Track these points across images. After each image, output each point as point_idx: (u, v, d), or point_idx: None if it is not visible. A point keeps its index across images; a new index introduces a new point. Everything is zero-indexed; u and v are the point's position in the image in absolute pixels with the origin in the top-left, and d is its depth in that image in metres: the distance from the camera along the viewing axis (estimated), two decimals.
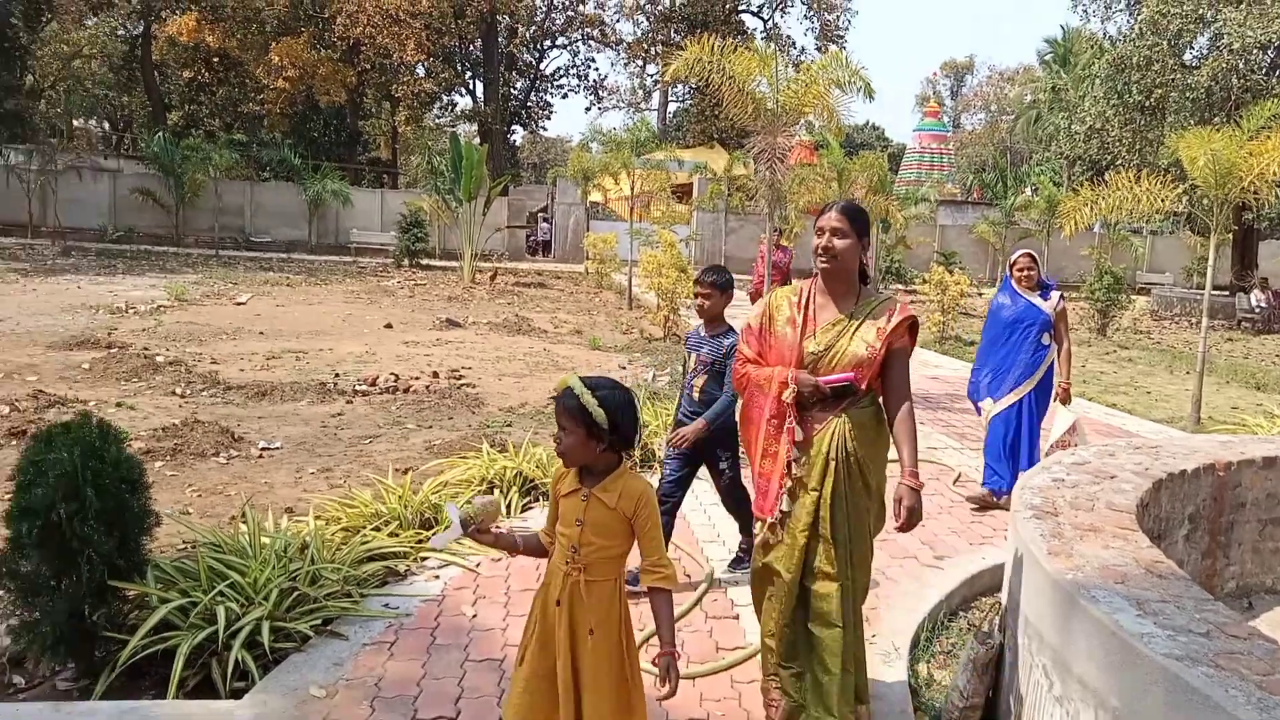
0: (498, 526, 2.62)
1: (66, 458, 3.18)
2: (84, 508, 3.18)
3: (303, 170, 31.30)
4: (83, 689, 3.35)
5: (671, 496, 4.48)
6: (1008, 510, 5.89)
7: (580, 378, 2.51)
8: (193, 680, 3.31)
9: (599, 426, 2.43)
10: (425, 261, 26.62)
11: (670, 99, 49.29)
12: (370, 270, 24.88)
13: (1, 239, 25.92)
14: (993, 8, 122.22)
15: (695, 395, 4.45)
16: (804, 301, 3.17)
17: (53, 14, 34.85)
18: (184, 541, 4.58)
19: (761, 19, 46.56)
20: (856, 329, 3.07)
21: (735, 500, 4.67)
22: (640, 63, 47.35)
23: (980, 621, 4.36)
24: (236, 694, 3.27)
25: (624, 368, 11.53)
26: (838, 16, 45.24)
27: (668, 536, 4.47)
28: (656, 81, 46.93)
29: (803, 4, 45.52)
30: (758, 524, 3.25)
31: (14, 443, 6.65)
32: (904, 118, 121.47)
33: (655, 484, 4.49)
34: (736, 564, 4.78)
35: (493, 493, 5.43)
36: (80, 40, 39.27)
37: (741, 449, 4.15)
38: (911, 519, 3.03)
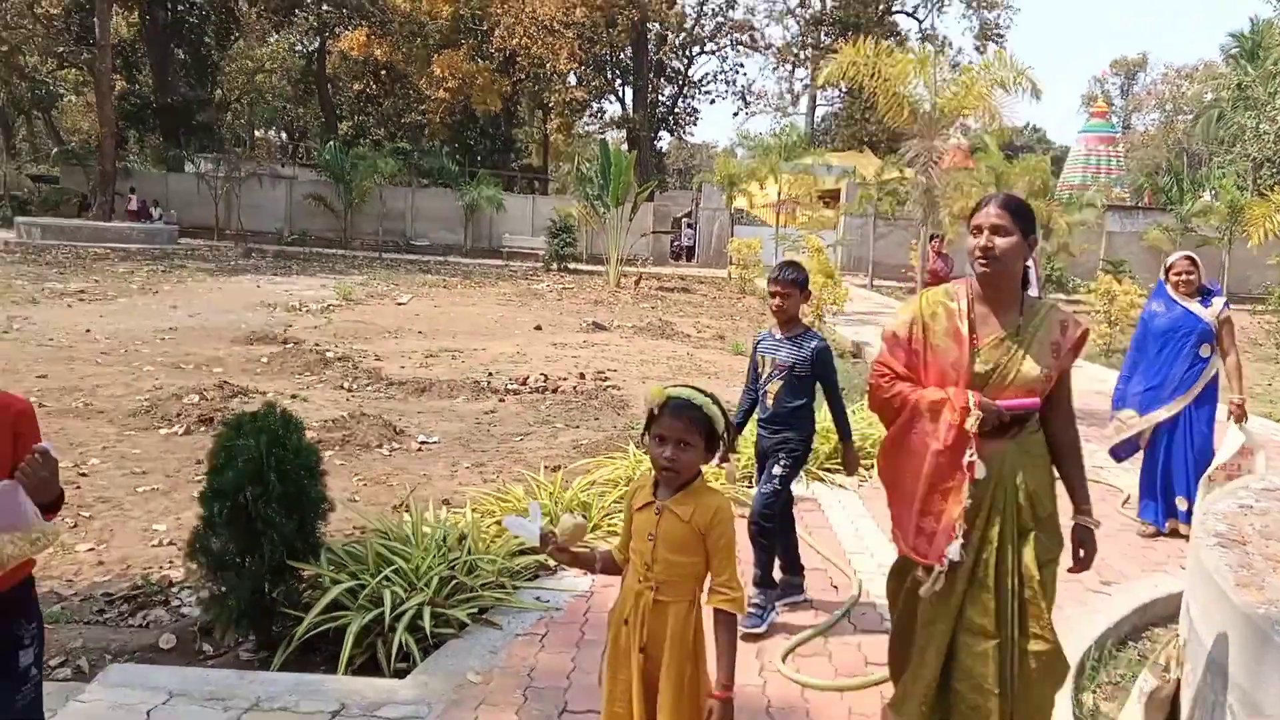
0: (580, 546, 2.52)
1: (253, 444, 3.43)
2: (268, 491, 3.42)
3: (460, 177, 32.63)
4: (262, 660, 3.60)
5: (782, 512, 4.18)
6: (1183, 538, 5.50)
7: (675, 387, 2.40)
8: (360, 659, 3.50)
9: (719, 437, 2.35)
10: (573, 265, 27.22)
11: (819, 103, 48.61)
12: (521, 273, 25.64)
13: (192, 241, 28.16)
14: (1170, 2, 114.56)
15: (769, 403, 4.10)
16: (965, 311, 2.74)
17: (240, 33, 37.57)
18: (354, 527, 4.85)
19: (916, 19, 45.35)
20: (1026, 346, 2.68)
21: (762, 517, 4.09)
22: (789, 67, 46.97)
23: (1155, 653, 4.09)
24: (399, 674, 3.43)
25: None
26: (998, 14, 43.49)
27: (787, 553, 4.32)
28: (806, 86, 46.42)
29: (960, 2, 44.02)
30: (918, 571, 2.77)
31: (203, 429, 7.22)
32: (1068, 119, 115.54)
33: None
34: (784, 595, 4.29)
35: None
36: (263, 56, 42.30)
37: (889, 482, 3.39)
38: (1088, 562, 2.75)
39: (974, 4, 43.50)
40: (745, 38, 45.24)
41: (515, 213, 32.51)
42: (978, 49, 43.92)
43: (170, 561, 4.62)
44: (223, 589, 3.55)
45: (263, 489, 3.40)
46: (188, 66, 35.58)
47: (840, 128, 42.96)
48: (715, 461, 3.59)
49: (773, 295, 4.10)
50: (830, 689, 3.55)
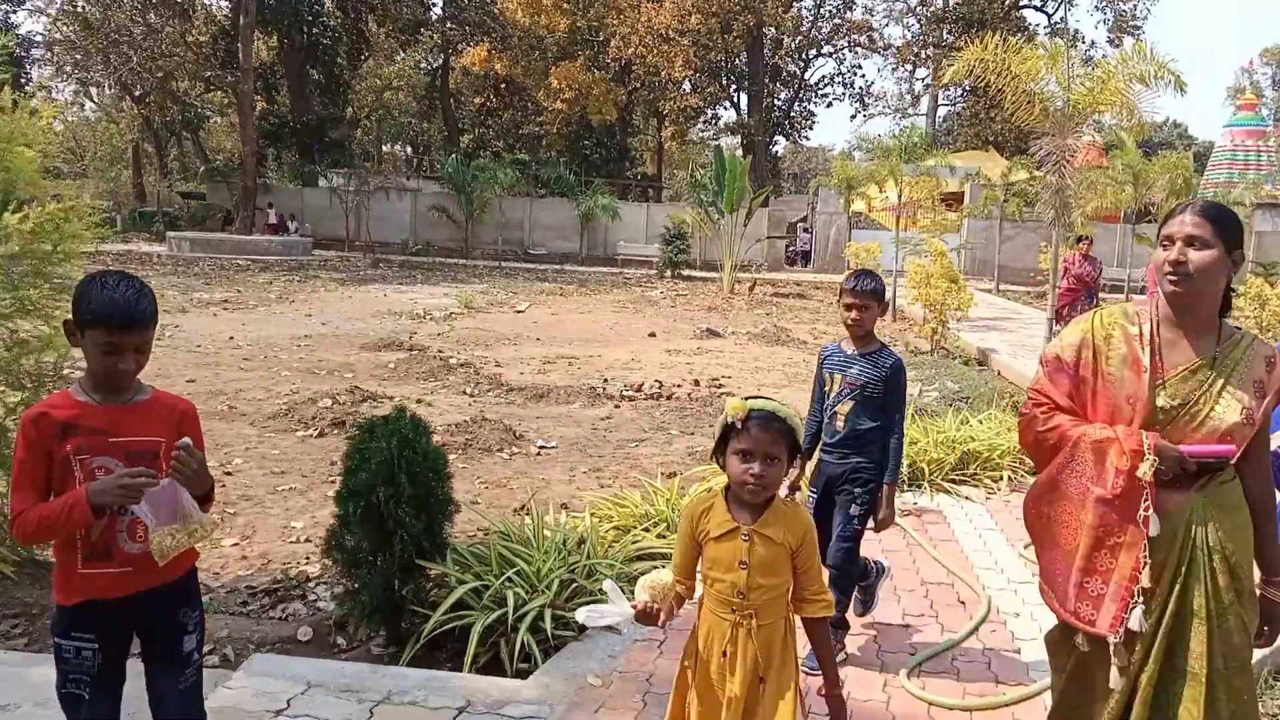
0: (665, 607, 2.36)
1: (385, 446, 3.55)
2: (398, 492, 3.55)
3: (576, 186, 33.18)
4: (391, 655, 3.72)
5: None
6: None
7: (756, 399, 2.30)
8: (484, 657, 3.58)
9: (799, 446, 2.28)
10: (686, 272, 27.27)
11: (940, 103, 47.28)
12: (635, 280, 25.85)
13: (324, 252, 29.54)
14: None
15: (839, 425, 3.72)
16: (1148, 336, 2.34)
17: (370, 53, 39.19)
18: (477, 529, 4.98)
19: (1046, 14, 43.61)
20: (1223, 382, 2.27)
21: (845, 567, 3.73)
22: (909, 67, 45.87)
23: None
24: (521, 674, 3.49)
25: None
26: (1134, 5, 41.38)
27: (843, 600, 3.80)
28: (927, 85, 45.23)
29: None
30: (1078, 637, 2.39)
31: (336, 431, 7.55)
32: (1211, 112, 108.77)
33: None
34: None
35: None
36: (390, 75, 44.04)
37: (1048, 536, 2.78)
38: (1273, 638, 2.38)
39: None
40: (863, 39, 44.45)
41: (630, 220, 32.82)
42: (1112, 42, 41.89)
43: (307, 557, 4.84)
44: (355, 585, 3.69)
45: (394, 490, 3.52)
46: (321, 86, 37.40)
47: (963, 127, 41.67)
48: (784, 489, 3.43)
49: (848, 308, 3.71)
50: (958, 708, 3.42)
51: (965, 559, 4.99)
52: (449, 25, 38.95)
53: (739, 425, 2.25)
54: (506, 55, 38.14)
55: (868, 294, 3.69)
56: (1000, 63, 8.14)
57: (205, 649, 3.67)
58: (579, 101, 36.79)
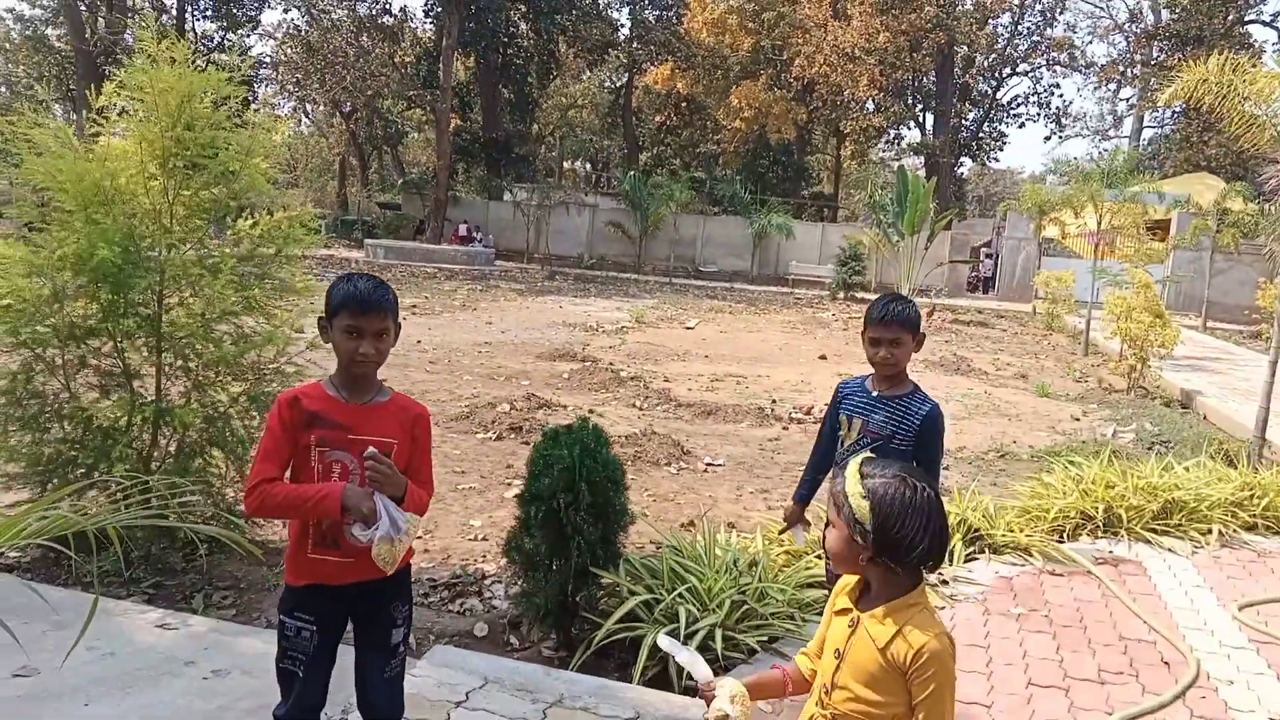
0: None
1: (568, 454, 3.63)
2: (577, 499, 3.61)
3: (750, 205, 33.12)
4: (560, 659, 3.79)
5: None
6: None
7: (868, 459, 1.93)
8: (651, 670, 3.59)
9: (858, 525, 1.83)
10: (860, 294, 26.63)
11: (1147, 124, 44.19)
12: (806, 301, 25.49)
13: (505, 263, 30.77)
14: None
15: None
16: None
17: (559, 72, 40.68)
18: (649, 541, 5.01)
19: (1276, 29, 39.97)
20: None
21: None
22: (1113, 86, 43.15)
23: None
24: (688, 691, 3.47)
25: (1078, 419, 10.49)
26: None
27: None
28: (1132, 106, 42.38)
29: None
30: None
31: (512, 436, 7.81)
32: None
33: None
34: None
35: None
36: (576, 93, 45.53)
37: None
38: None
39: None
40: (1063, 57, 42.20)
41: (803, 240, 32.43)
42: None
43: (484, 555, 5.02)
44: (531, 587, 3.79)
45: (573, 497, 3.59)
46: (511, 104, 39.09)
47: (1171, 150, 38.78)
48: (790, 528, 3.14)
49: (874, 343, 3.04)
50: None
51: (1169, 616, 4.59)
52: (635, 45, 39.85)
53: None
54: (689, 74, 38.64)
55: (901, 323, 3.02)
56: (1226, 84, 7.50)
57: None
58: (758, 120, 36.75)
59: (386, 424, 2.42)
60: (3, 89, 44.25)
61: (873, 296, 21.51)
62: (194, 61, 4.30)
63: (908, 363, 3.07)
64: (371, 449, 2.30)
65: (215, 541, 4.21)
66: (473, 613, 4.26)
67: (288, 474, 2.40)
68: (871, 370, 3.16)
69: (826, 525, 1.95)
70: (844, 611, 1.95)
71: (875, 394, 3.10)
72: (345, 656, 2.56)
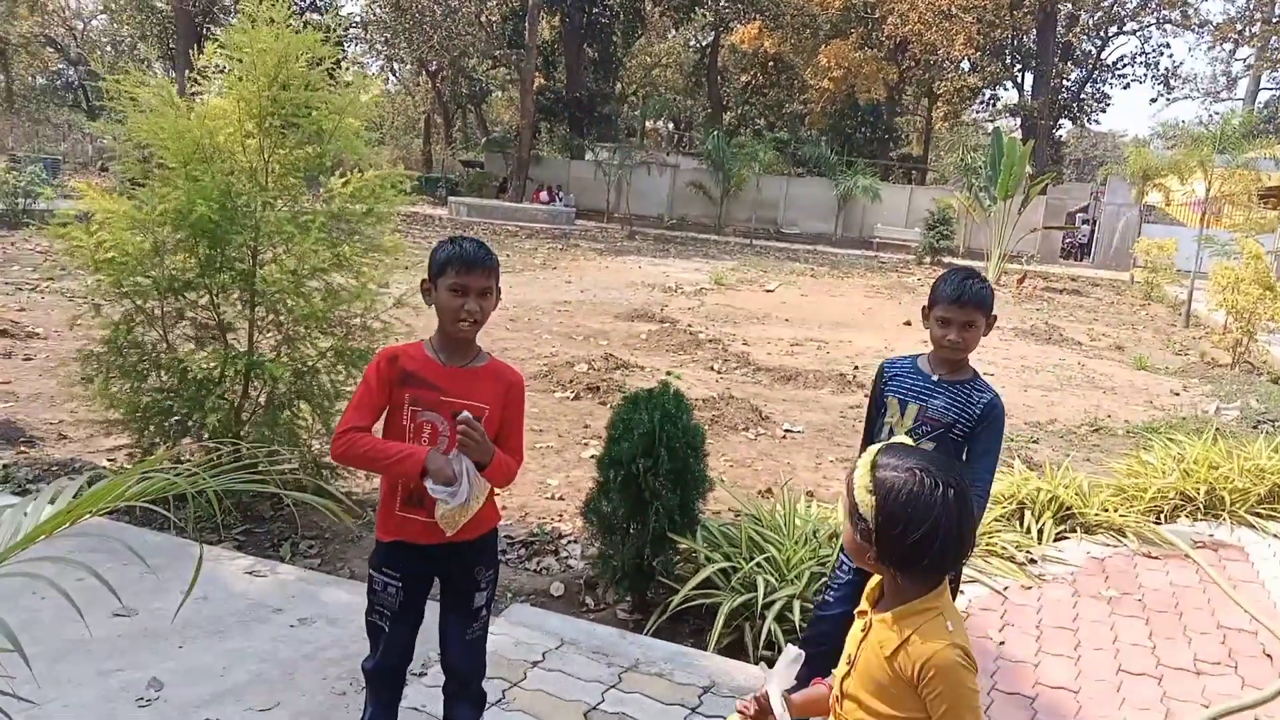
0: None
1: (647, 419, 3.60)
2: (656, 464, 3.59)
3: (836, 166, 32.40)
4: (635, 622, 3.80)
5: (829, 628, 2.70)
6: None
7: (890, 445, 1.71)
8: (726, 638, 3.57)
9: (862, 520, 1.63)
10: (948, 260, 25.91)
11: (1264, 86, 41.62)
12: (891, 266, 24.92)
13: (585, 223, 30.82)
14: None
15: None
16: None
17: (644, 31, 40.27)
18: (727, 508, 4.98)
19: None
20: None
21: None
22: (1229, 46, 40.67)
23: None
24: (762, 661, 3.44)
25: (1177, 394, 10.05)
26: None
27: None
28: (1248, 67, 39.96)
29: None
30: None
31: (590, 395, 7.84)
32: None
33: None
34: None
35: (1022, 515, 5.04)
36: (660, 52, 45.03)
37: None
38: None
39: None
40: (1175, 15, 39.88)
41: (890, 203, 31.64)
42: None
43: (560, 515, 5.05)
44: (609, 550, 3.79)
45: (652, 462, 3.57)
46: (595, 64, 38.86)
47: None
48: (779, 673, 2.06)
49: (944, 323, 2.70)
50: None
51: (1272, 605, 4.37)
52: (723, 3, 39.11)
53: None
54: (777, 33, 37.79)
55: (975, 304, 2.68)
56: None
57: None
58: (847, 80, 35.80)
59: (481, 389, 2.42)
60: (109, 48, 45.88)
61: (960, 261, 20.82)
62: (289, 22, 4.34)
63: (975, 347, 2.75)
64: (465, 413, 2.31)
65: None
66: (549, 572, 4.30)
67: (380, 429, 2.43)
68: (928, 350, 2.84)
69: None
70: (863, 613, 1.77)
71: (936, 378, 2.77)
72: (433, 612, 2.59)
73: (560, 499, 5.33)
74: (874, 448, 1.69)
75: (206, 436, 4.43)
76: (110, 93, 4.40)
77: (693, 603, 3.69)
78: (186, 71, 4.62)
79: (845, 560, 2.88)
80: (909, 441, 1.81)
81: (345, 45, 37.67)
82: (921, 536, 1.57)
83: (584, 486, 4.39)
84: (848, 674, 1.72)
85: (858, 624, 1.77)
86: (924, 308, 2.82)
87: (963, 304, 2.68)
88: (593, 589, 4.06)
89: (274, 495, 4.49)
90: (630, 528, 3.73)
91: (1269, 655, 3.87)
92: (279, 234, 4.46)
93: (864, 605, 1.77)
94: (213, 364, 4.48)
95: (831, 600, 2.84)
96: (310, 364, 4.61)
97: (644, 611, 3.83)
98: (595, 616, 3.87)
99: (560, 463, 6.06)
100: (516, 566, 4.35)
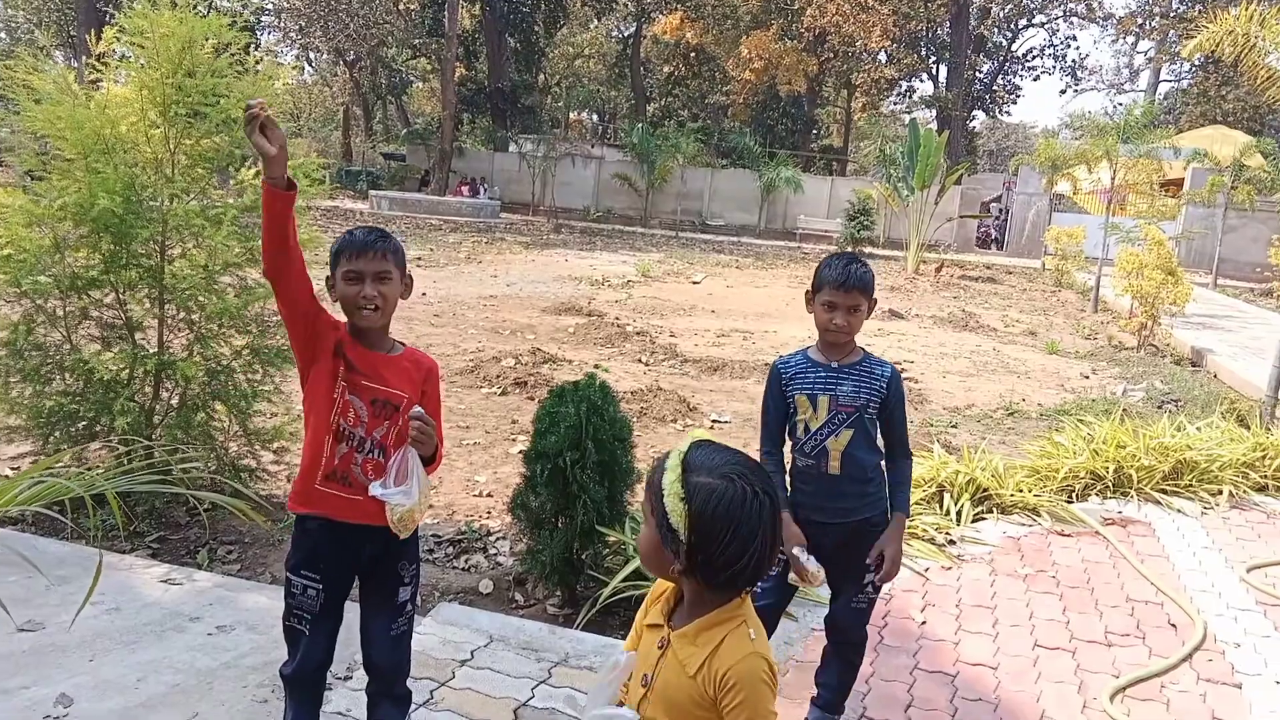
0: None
1: (573, 412, 3.59)
2: (584, 457, 3.58)
3: (759, 157, 32.72)
4: (565, 616, 3.78)
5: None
6: None
7: (699, 443, 1.58)
8: None
9: (671, 531, 1.50)
10: (869, 250, 26.41)
11: (1163, 78, 43.43)
12: (813, 256, 25.27)
13: (510, 216, 30.52)
14: None
15: (833, 466, 2.74)
16: None
17: (566, 20, 40.02)
18: None
19: None
20: None
21: (850, 641, 2.93)
22: (1131, 39, 42.33)
23: None
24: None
25: (1087, 377, 10.42)
26: None
27: (842, 684, 3.00)
28: (1149, 59, 41.64)
29: None
30: None
31: (517, 390, 7.77)
32: None
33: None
34: None
35: (941, 497, 5.18)
36: (583, 43, 44.84)
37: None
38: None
39: None
40: (1081, 8, 41.33)
41: (812, 194, 32.07)
42: None
43: (488, 512, 5.00)
44: (537, 545, 3.77)
45: (579, 455, 3.56)
46: (518, 54, 38.49)
47: (1189, 104, 38.15)
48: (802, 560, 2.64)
49: (830, 307, 2.71)
50: None
51: (1176, 578, 4.57)
52: None
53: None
54: (698, 24, 37.97)
55: (859, 287, 2.70)
56: (1248, 37, 7.30)
57: None
58: (768, 71, 36.18)
59: (399, 378, 2.42)
60: (2, 35, 43.71)
61: (882, 252, 21.24)
62: (195, 6, 4.19)
63: (859, 329, 2.77)
64: (418, 408, 2.31)
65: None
66: (478, 569, 4.26)
67: (307, 398, 2.43)
68: (815, 342, 2.85)
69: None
70: (655, 627, 1.62)
71: (835, 364, 2.77)
72: (353, 613, 2.54)
73: (488, 495, 5.28)
74: (680, 446, 1.58)
75: (115, 441, 4.26)
76: (4, 81, 4.19)
77: (623, 594, 3.69)
78: (85, 58, 4.43)
79: (780, 556, 2.80)
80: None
81: (256, 32, 36.56)
82: (739, 548, 1.48)
83: (512, 483, 4.35)
84: (644, 696, 1.59)
85: (650, 640, 1.63)
86: (807, 293, 2.83)
87: (848, 288, 2.70)
88: (522, 585, 4.03)
89: (190, 501, 4.35)
90: (558, 522, 3.72)
91: (1174, 625, 4.05)
92: (188, 228, 4.32)
93: (656, 619, 1.64)
94: (120, 365, 4.30)
95: (759, 592, 2.78)
96: (225, 363, 4.46)
97: (574, 605, 3.82)
98: (525, 612, 3.84)
99: (488, 459, 6.00)
100: (444, 565, 4.30)
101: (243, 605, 3.51)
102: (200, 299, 4.36)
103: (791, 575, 2.70)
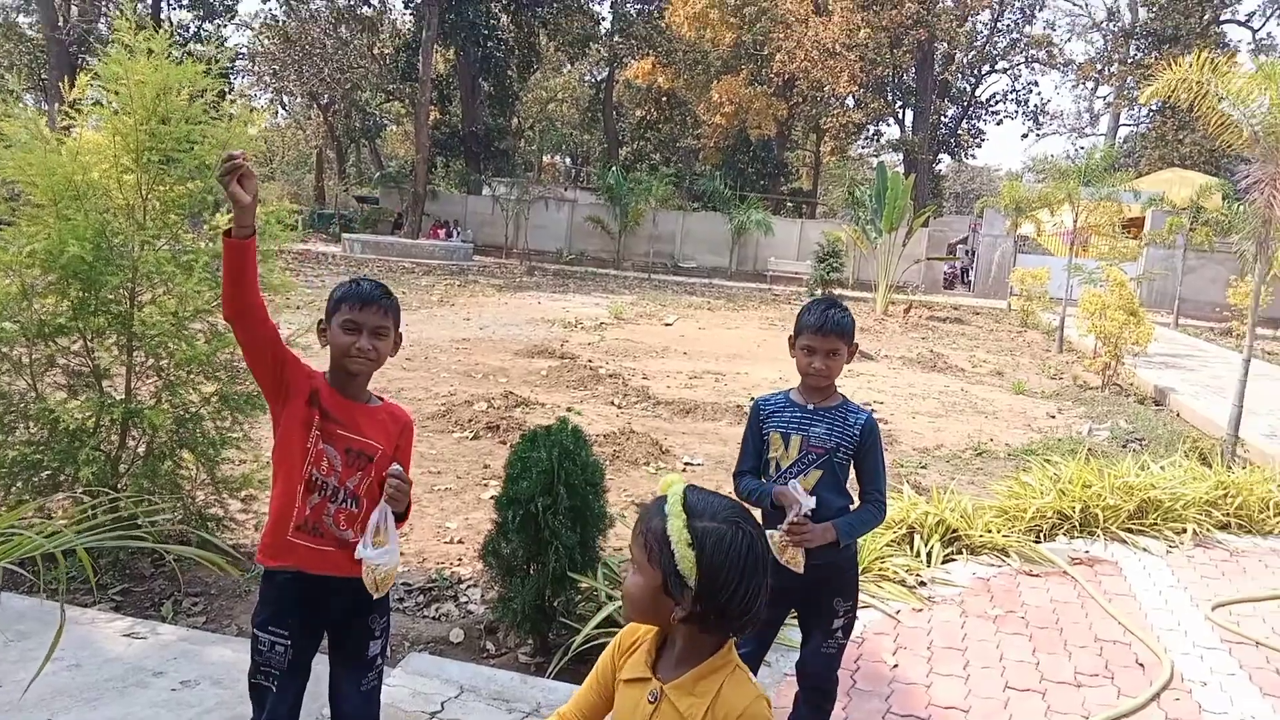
0: None
1: (545, 457, 3.59)
2: (556, 503, 3.58)
3: (730, 200, 33.14)
4: (538, 664, 3.75)
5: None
6: None
7: (691, 489, 1.58)
8: None
9: (678, 578, 1.50)
10: (839, 292, 26.70)
11: (1123, 122, 44.63)
12: (784, 298, 25.53)
13: (483, 258, 30.61)
14: None
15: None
16: None
17: (539, 65, 40.52)
18: (629, 544, 4.97)
19: (1250, 29, 40.52)
20: None
21: (820, 688, 2.92)
22: (1090, 84, 43.53)
23: None
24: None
25: (1053, 416, 10.56)
26: None
27: None
28: (1108, 104, 42.78)
29: None
30: None
31: (490, 434, 7.74)
32: None
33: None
34: None
35: (912, 539, 5.21)
36: (556, 87, 45.36)
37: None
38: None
39: None
40: (1042, 54, 42.52)
41: (782, 236, 32.49)
42: None
43: (459, 559, 4.97)
44: (509, 592, 3.74)
45: (551, 500, 3.56)
46: (491, 98, 38.89)
47: (1148, 148, 39.19)
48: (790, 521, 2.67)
49: (809, 351, 2.78)
50: None
51: (1143, 617, 4.61)
52: (616, 39, 39.77)
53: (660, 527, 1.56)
54: (670, 69, 38.62)
55: (838, 333, 2.77)
56: (1202, 84, 7.55)
57: None
58: (738, 116, 36.79)
59: (375, 430, 2.43)
60: None
61: (851, 294, 21.47)
62: (170, 53, 4.22)
63: (839, 373, 2.84)
64: (396, 466, 2.33)
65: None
66: (448, 618, 4.22)
67: (277, 445, 2.43)
68: (797, 383, 2.92)
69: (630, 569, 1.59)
70: (639, 681, 1.59)
71: (811, 406, 2.84)
72: (321, 665, 2.52)
73: (460, 542, 5.24)
74: (674, 493, 1.58)
75: (80, 491, 4.20)
76: None
77: (596, 642, 3.66)
78: (58, 104, 4.44)
79: None
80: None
81: (231, 77, 36.70)
82: (745, 592, 1.49)
83: (483, 529, 4.33)
84: None
85: (635, 695, 1.59)
86: (790, 338, 2.89)
87: (825, 333, 2.76)
88: (493, 633, 3.99)
89: (154, 551, 4.29)
90: (530, 568, 3.70)
91: (1141, 664, 4.09)
92: (159, 274, 4.30)
93: (640, 672, 1.60)
94: (87, 413, 4.26)
95: (741, 640, 2.81)
96: (193, 410, 4.43)
97: (546, 654, 3.79)
98: (496, 662, 3.81)
99: (459, 505, 5.96)
100: (414, 614, 4.25)
101: (208, 659, 3.45)
102: (170, 346, 4.34)
103: (784, 558, 2.67)
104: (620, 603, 3.74)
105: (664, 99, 41.56)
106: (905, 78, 41.77)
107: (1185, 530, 5.87)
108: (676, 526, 1.51)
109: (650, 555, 1.54)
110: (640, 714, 1.56)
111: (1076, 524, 5.78)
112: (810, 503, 2.66)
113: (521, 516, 3.58)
